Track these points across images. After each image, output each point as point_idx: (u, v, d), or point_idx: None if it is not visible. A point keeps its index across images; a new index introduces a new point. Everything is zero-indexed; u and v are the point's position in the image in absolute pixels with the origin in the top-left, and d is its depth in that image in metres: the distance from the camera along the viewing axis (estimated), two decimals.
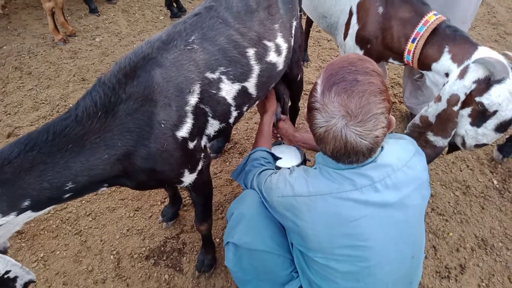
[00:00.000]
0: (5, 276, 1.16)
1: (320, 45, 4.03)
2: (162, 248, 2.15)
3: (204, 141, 1.59)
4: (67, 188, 1.22)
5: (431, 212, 2.35)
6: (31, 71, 3.57)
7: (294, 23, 1.92)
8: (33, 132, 1.21)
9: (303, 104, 2.98)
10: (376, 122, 1.07)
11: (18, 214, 1.16)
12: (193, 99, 1.42)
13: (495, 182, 2.55)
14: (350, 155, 1.12)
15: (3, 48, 3.86)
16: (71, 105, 3.12)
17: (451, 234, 2.24)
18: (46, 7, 3.73)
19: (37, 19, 4.37)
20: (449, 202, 2.42)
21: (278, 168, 1.67)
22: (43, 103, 3.21)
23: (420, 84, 2.70)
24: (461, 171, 2.63)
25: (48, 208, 1.27)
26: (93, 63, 3.70)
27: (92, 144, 1.23)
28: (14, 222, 1.19)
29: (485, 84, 1.60)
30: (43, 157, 1.17)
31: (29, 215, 1.20)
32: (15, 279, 1.19)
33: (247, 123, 3.03)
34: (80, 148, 1.21)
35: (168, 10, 4.50)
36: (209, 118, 1.55)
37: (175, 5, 4.51)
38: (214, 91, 1.51)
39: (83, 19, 4.42)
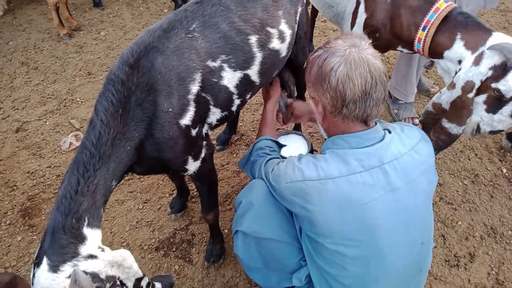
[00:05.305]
0: None
1: (325, 35, 3.99)
2: (172, 240, 2.17)
3: (205, 129, 1.60)
4: (113, 186, 1.30)
5: (440, 201, 2.34)
6: (38, 66, 3.58)
7: (300, 9, 1.90)
8: (76, 156, 1.27)
9: (308, 94, 2.97)
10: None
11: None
12: (194, 88, 1.43)
13: (504, 170, 2.53)
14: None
15: (9, 44, 3.88)
16: (78, 99, 3.19)
17: (460, 222, 2.23)
18: (51, 2, 3.74)
19: (42, 14, 4.38)
20: (457, 191, 2.41)
21: (283, 157, 1.66)
22: (50, 97, 3.22)
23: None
24: (469, 159, 2.61)
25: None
26: (98, 57, 3.71)
27: (117, 141, 1.28)
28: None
29: (501, 70, 1.58)
30: (95, 172, 1.23)
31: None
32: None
33: (253, 114, 3.03)
34: (112, 148, 1.27)
35: (173, 2, 4.48)
36: (211, 107, 1.55)
37: None
38: (216, 80, 1.51)
39: (88, 13, 4.42)
